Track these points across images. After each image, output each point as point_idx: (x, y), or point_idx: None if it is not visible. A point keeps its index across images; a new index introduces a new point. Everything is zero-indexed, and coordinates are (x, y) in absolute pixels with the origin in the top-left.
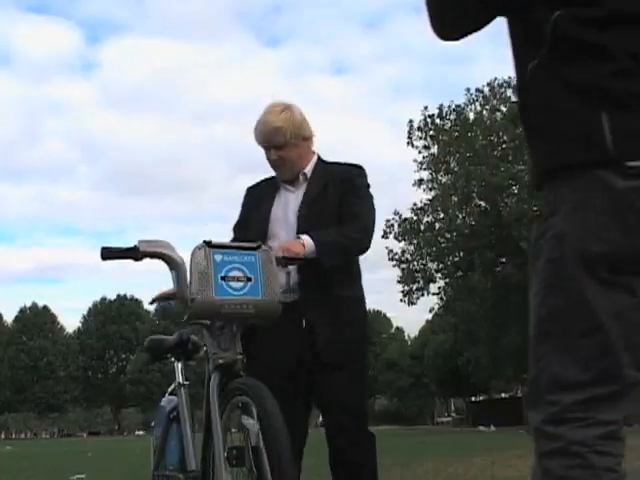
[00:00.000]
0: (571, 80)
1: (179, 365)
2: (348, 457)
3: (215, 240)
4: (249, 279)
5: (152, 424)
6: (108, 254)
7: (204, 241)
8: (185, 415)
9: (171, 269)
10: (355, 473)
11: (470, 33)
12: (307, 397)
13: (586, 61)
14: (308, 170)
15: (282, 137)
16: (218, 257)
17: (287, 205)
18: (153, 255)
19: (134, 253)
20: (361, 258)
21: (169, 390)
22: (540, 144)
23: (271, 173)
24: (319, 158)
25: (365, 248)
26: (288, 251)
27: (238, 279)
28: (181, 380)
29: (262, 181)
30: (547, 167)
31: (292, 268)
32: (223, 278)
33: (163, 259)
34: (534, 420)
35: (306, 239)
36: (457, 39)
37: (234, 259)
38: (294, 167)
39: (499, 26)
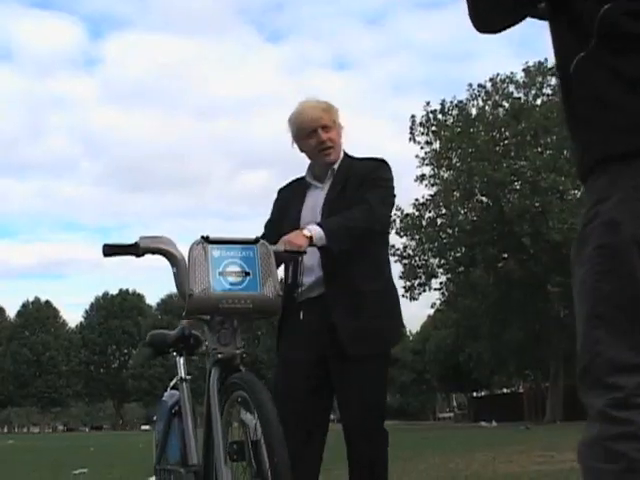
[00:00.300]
0: (620, 71)
1: (181, 360)
2: (361, 452)
3: (213, 235)
4: (247, 274)
5: (154, 418)
6: (109, 250)
7: (202, 236)
8: (187, 410)
9: (172, 265)
10: (367, 469)
11: (510, 26)
12: (328, 392)
13: (635, 52)
14: (336, 166)
15: (330, 117)
16: (216, 252)
17: (316, 203)
18: (154, 251)
19: (135, 249)
20: None
21: (171, 384)
22: (588, 134)
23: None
24: (345, 153)
25: (371, 229)
26: (290, 244)
27: (236, 274)
28: (183, 375)
29: (292, 182)
30: (596, 157)
31: (316, 264)
32: (221, 273)
33: (164, 255)
34: (595, 403)
35: (314, 229)
36: (495, 32)
37: (232, 254)
38: (339, 152)
39: None
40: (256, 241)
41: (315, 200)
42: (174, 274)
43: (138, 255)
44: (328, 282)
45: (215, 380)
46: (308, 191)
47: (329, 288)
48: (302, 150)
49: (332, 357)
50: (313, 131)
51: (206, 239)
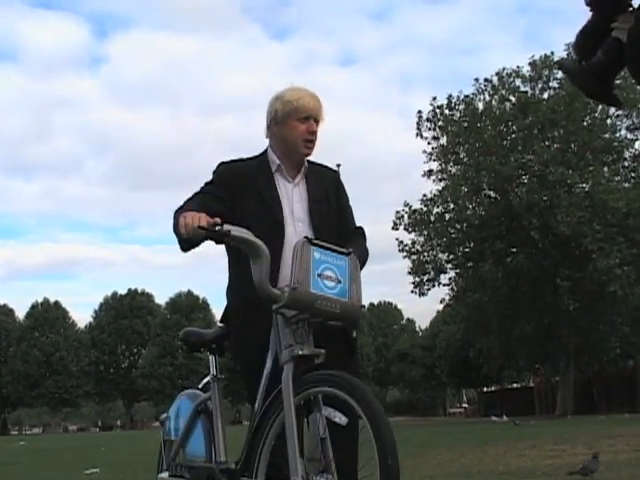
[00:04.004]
0: None
1: (214, 359)
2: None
3: (315, 240)
4: (339, 281)
5: (163, 416)
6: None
7: (305, 237)
8: (217, 407)
9: (254, 257)
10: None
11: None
12: None
13: None
14: (306, 164)
15: (322, 114)
16: (317, 255)
17: (290, 197)
18: (240, 240)
19: (222, 235)
20: (372, 250)
21: (202, 384)
22: None
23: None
24: None
25: None
26: None
27: (331, 279)
28: (216, 373)
29: (245, 160)
30: None
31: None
32: (319, 275)
33: (248, 245)
34: None
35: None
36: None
37: (329, 259)
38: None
39: (506, 16)
40: (348, 253)
41: (290, 191)
42: (255, 266)
43: (218, 242)
44: None
45: (290, 374)
46: (277, 178)
47: None
48: (281, 132)
49: (339, 354)
50: (307, 118)
51: (309, 240)
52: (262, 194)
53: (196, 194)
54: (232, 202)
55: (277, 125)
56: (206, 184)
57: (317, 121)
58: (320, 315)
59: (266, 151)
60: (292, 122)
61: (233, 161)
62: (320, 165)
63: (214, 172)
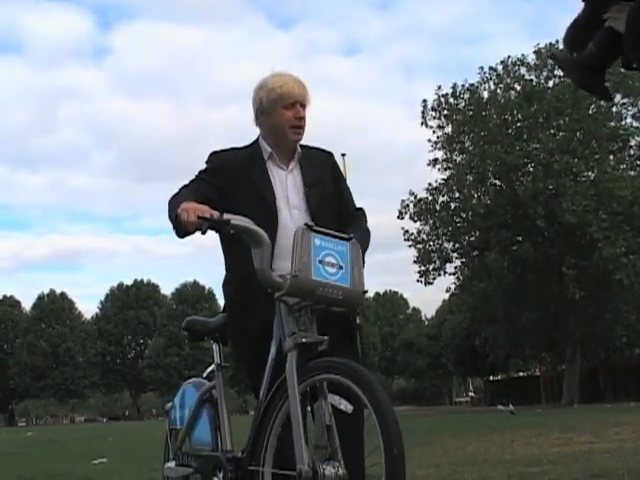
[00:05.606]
0: None
1: (218, 347)
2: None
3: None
4: (341, 267)
5: (168, 405)
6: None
7: (305, 224)
8: (222, 396)
9: (255, 246)
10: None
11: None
12: None
13: None
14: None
15: (309, 98)
16: (317, 241)
17: (284, 183)
18: (238, 228)
19: (226, 225)
20: (377, 239)
21: (206, 373)
22: None
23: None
24: None
25: None
26: None
27: (332, 265)
28: (220, 362)
29: (235, 149)
30: None
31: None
32: (320, 262)
33: (249, 234)
34: None
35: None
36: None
37: (330, 246)
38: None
39: (511, 3)
40: (349, 238)
41: (284, 178)
42: (256, 255)
43: (219, 231)
44: None
45: (294, 362)
46: (269, 165)
47: None
48: (268, 122)
49: (342, 340)
50: (293, 104)
51: (310, 227)
52: (255, 182)
53: (192, 181)
54: (225, 191)
55: (264, 114)
56: (200, 172)
57: (303, 106)
58: (322, 302)
59: (257, 140)
60: (279, 110)
61: (225, 150)
62: (313, 148)
63: (207, 162)
